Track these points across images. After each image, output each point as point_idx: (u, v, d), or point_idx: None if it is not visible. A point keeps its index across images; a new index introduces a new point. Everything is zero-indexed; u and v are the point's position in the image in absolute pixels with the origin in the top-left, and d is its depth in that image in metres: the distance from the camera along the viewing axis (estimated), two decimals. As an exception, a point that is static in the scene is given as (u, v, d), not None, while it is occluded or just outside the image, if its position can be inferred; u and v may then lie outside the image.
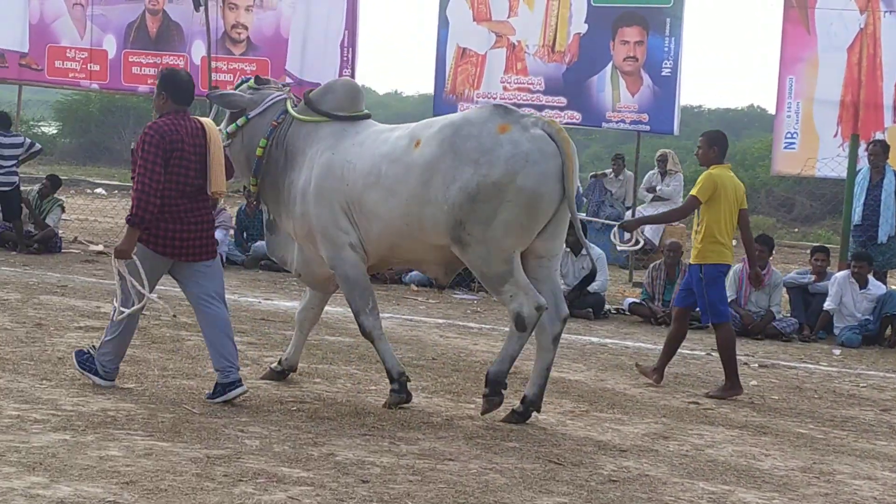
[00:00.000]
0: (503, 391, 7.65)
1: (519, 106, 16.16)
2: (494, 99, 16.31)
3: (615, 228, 9.90)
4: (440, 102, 16.76)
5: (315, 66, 16.90)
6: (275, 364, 8.51)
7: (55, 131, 41.54)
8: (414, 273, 14.70)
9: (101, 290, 12.11)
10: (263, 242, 14.97)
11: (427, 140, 7.58)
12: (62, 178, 17.52)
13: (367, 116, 8.25)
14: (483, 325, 11.88)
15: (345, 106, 8.17)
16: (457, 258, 7.69)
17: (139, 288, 7.51)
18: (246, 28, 16.98)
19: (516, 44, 16.33)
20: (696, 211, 9.43)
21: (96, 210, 20.80)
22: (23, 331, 9.52)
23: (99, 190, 26.13)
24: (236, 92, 8.45)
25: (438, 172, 7.43)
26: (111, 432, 6.56)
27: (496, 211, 7.30)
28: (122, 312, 7.58)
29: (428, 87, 17.67)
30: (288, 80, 16.64)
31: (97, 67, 17.78)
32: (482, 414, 7.66)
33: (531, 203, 7.34)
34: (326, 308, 10.77)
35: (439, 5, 16.63)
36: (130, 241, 7.48)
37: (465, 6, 16.45)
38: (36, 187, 16.11)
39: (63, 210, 15.96)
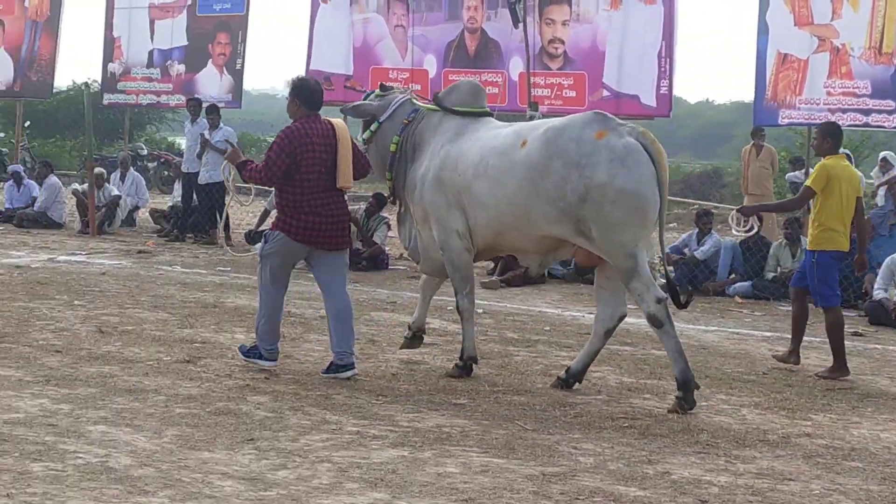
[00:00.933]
0: (696, 389, 8.01)
1: (844, 111, 15.75)
2: (818, 105, 15.85)
3: (733, 212, 10.28)
4: (760, 109, 16.40)
5: (632, 77, 16.80)
6: (407, 332, 9.38)
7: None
8: (738, 285, 14.41)
9: (432, 307, 12.32)
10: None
11: (532, 141, 8.26)
12: (387, 196, 17.91)
13: (489, 114, 9.09)
14: (813, 339, 11.49)
15: (468, 102, 9.02)
16: (553, 252, 8.60)
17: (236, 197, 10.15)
18: (563, 42, 17.04)
19: (840, 47, 15.80)
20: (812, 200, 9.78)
21: (418, 226, 21.28)
22: (357, 346, 9.77)
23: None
24: (365, 102, 9.48)
25: (549, 173, 8.08)
26: (447, 448, 6.66)
27: (608, 213, 7.91)
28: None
29: (740, 95, 17.43)
30: (605, 93, 16.65)
31: (418, 87, 18.13)
32: (670, 412, 7.91)
33: (635, 203, 7.92)
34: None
35: (758, 11, 16.26)
36: (234, 155, 8.98)
37: (786, 11, 16.02)
38: (362, 206, 16.59)
39: (389, 227, 16.35)
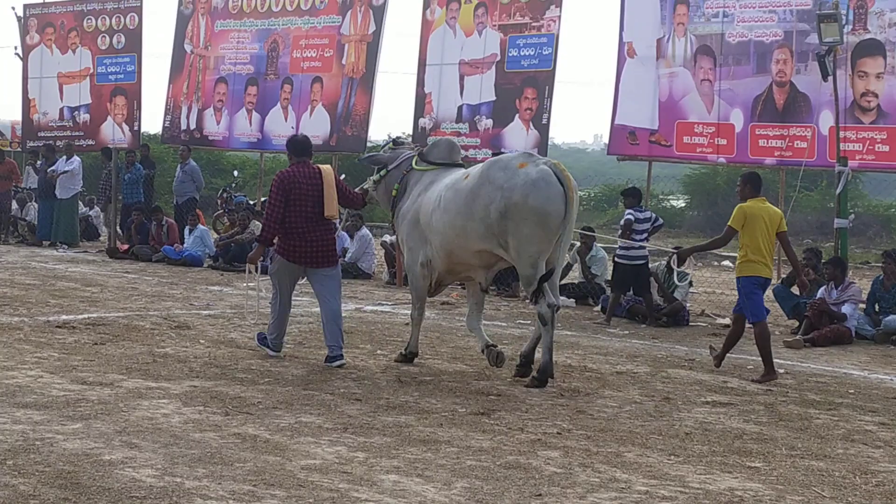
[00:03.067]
0: (551, 379, 10.26)
1: None
2: None
3: (672, 256, 12.66)
4: None
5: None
6: (493, 348, 11.00)
7: (683, 204, 42.48)
8: None
9: (729, 364, 12.07)
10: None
11: (472, 173, 10.61)
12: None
13: (461, 165, 11.39)
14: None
15: (444, 157, 11.42)
16: (494, 264, 10.79)
17: (255, 285, 12.21)
18: (876, 96, 16.47)
19: None
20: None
21: (723, 283, 20.86)
22: (651, 404, 9.68)
23: (725, 262, 26.26)
24: (379, 153, 12.27)
25: (479, 196, 10.27)
26: (738, 513, 6.49)
27: (519, 227, 10.04)
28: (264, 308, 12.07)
29: None
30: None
31: (724, 142, 17.94)
32: (527, 386, 10.13)
33: (541, 218, 10.02)
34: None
35: None
36: (258, 253, 11.43)
37: None
38: (663, 262, 16.45)
39: (691, 284, 16.17)
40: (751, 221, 11.31)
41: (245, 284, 11.82)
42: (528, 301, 14.96)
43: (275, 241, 11.04)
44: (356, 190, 11.88)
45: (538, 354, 10.44)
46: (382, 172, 11.75)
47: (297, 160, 11.15)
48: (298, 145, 11.30)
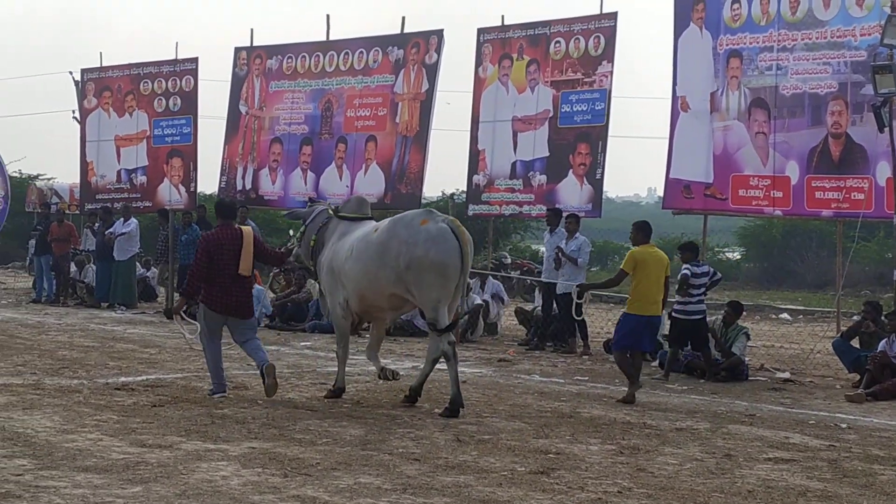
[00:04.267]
0: (462, 407, 11.45)
1: None
2: None
3: (574, 286, 15.40)
4: None
5: None
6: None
7: (739, 256, 42.25)
8: None
9: (790, 419, 11.97)
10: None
11: (380, 228, 11.94)
12: (747, 303, 17.48)
13: (370, 218, 12.70)
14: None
15: (354, 210, 12.83)
16: (401, 307, 12.39)
17: (184, 333, 12.97)
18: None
19: None
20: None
21: (782, 336, 20.71)
22: (712, 461, 9.58)
23: (784, 315, 26.09)
24: (297, 209, 14.80)
25: (390, 249, 11.63)
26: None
27: (421, 276, 11.46)
28: (192, 341, 13.52)
29: None
30: None
31: (780, 194, 17.80)
32: (441, 415, 11.36)
33: (441, 269, 11.44)
34: None
35: None
36: (180, 305, 12.97)
37: None
38: (719, 316, 16.34)
39: (748, 337, 16.02)
40: (641, 265, 12.92)
41: (180, 330, 13.07)
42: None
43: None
44: (281, 248, 13.64)
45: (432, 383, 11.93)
46: (302, 228, 13.17)
47: (223, 222, 12.54)
48: (223, 209, 12.88)
